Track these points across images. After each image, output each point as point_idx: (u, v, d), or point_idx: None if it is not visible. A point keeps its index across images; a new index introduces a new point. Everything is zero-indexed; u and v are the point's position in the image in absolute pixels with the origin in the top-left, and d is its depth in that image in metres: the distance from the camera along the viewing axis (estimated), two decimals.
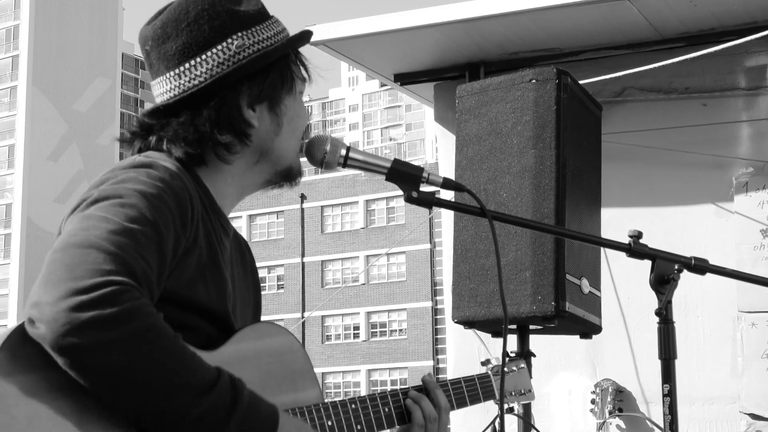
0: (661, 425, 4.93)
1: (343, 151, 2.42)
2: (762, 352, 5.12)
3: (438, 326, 60.46)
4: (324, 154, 2.40)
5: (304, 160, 2.47)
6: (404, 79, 5.96)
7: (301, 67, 2.39)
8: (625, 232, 5.54)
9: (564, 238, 4.20)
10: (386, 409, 2.42)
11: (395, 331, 62.01)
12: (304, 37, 2.37)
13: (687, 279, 5.38)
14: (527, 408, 4.29)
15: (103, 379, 1.85)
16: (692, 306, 5.04)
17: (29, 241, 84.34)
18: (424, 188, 2.47)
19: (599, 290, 4.64)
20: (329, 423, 2.28)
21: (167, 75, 2.26)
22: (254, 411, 1.99)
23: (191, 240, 2.12)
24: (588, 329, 4.58)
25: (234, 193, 2.35)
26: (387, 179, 2.47)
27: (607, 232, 4.78)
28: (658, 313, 2.50)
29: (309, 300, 59.78)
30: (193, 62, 2.24)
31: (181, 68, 2.24)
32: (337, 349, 61.15)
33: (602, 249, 4.81)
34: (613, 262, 5.24)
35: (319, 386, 2.33)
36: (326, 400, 2.32)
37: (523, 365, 2.83)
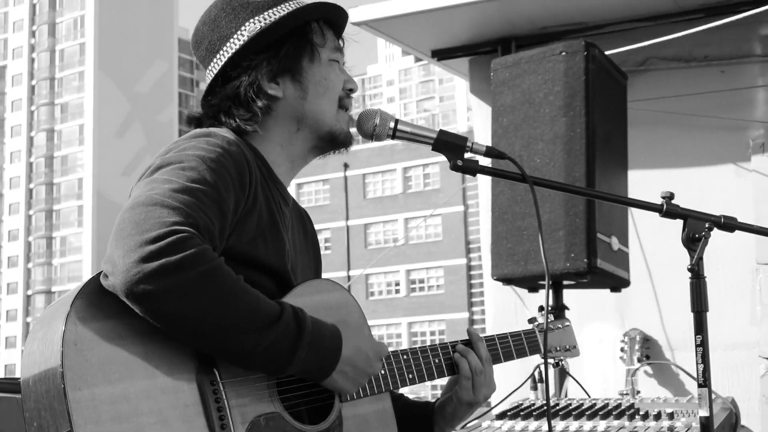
0: (686, 369, 4.87)
1: (392, 124, 2.38)
2: None
3: (472, 281, 60.53)
4: (374, 127, 2.36)
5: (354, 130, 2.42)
6: (441, 54, 5.87)
7: (329, 36, 2.34)
8: (650, 191, 5.45)
9: (598, 200, 4.15)
10: (436, 360, 2.40)
11: (433, 286, 62.17)
12: (318, 8, 2.33)
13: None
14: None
15: (177, 322, 1.84)
16: (713, 259, 4.95)
17: (99, 212, 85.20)
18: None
19: (627, 247, 4.57)
20: (382, 372, 2.27)
21: (206, 73, 2.33)
22: (319, 334, 2.00)
23: (251, 202, 2.11)
24: (617, 283, 4.52)
25: (286, 162, 2.32)
26: (433, 149, 2.41)
27: (633, 192, 4.71)
28: (690, 269, 2.43)
29: (353, 260, 59.99)
30: (218, 56, 2.28)
31: (211, 64, 2.30)
32: (380, 304, 61.38)
33: (631, 213, 4.73)
34: (639, 220, 5.16)
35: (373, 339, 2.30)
36: None
37: (568, 323, 2.76)
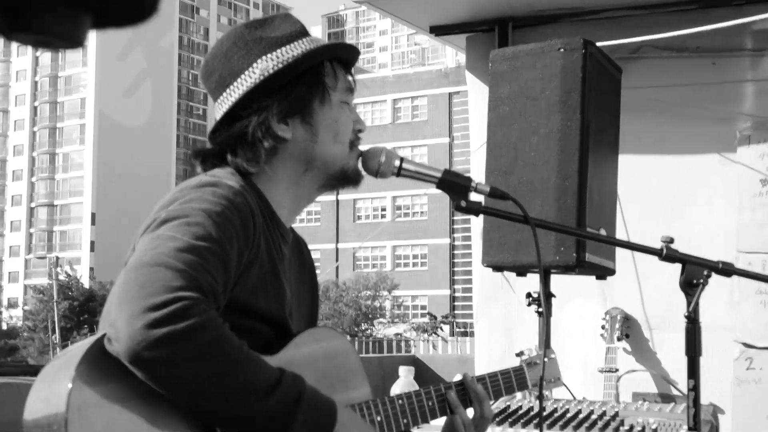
0: (656, 351, 4.80)
1: (397, 162, 2.29)
2: (756, 288, 4.98)
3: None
4: (379, 165, 2.29)
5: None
6: (439, 30, 5.69)
7: (340, 76, 2.22)
8: (637, 178, 5.33)
9: (589, 194, 4.05)
10: (430, 404, 2.32)
11: (417, 213, 62.38)
12: (331, 48, 2.20)
13: (692, 223, 5.17)
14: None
15: (179, 389, 1.77)
16: (696, 247, 4.84)
17: (101, 130, 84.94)
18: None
19: (615, 237, 4.47)
20: (378, 418, 2.20)
21: (215, 106, 2.19)
22: (315, 404, 1.92)
23: (253, 253, 2.02)
24: (603, 272, 4.42)
25: (291, 203, 2.22)
26: (437, 188, 2.32)
27: (621, 177, 4.60)
28: (687, 316, 2.34)
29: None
30: (228, 90, 2.15)
31: (221, 98, 2.17)
32: (367, 228, 61.57)
33: (618, 198, 4.62)
34: (626, 207, 5.06)
35: (368, 385, 2.26)
36: (375, 398, 2.23)
37: (553, 355, 2.70)
